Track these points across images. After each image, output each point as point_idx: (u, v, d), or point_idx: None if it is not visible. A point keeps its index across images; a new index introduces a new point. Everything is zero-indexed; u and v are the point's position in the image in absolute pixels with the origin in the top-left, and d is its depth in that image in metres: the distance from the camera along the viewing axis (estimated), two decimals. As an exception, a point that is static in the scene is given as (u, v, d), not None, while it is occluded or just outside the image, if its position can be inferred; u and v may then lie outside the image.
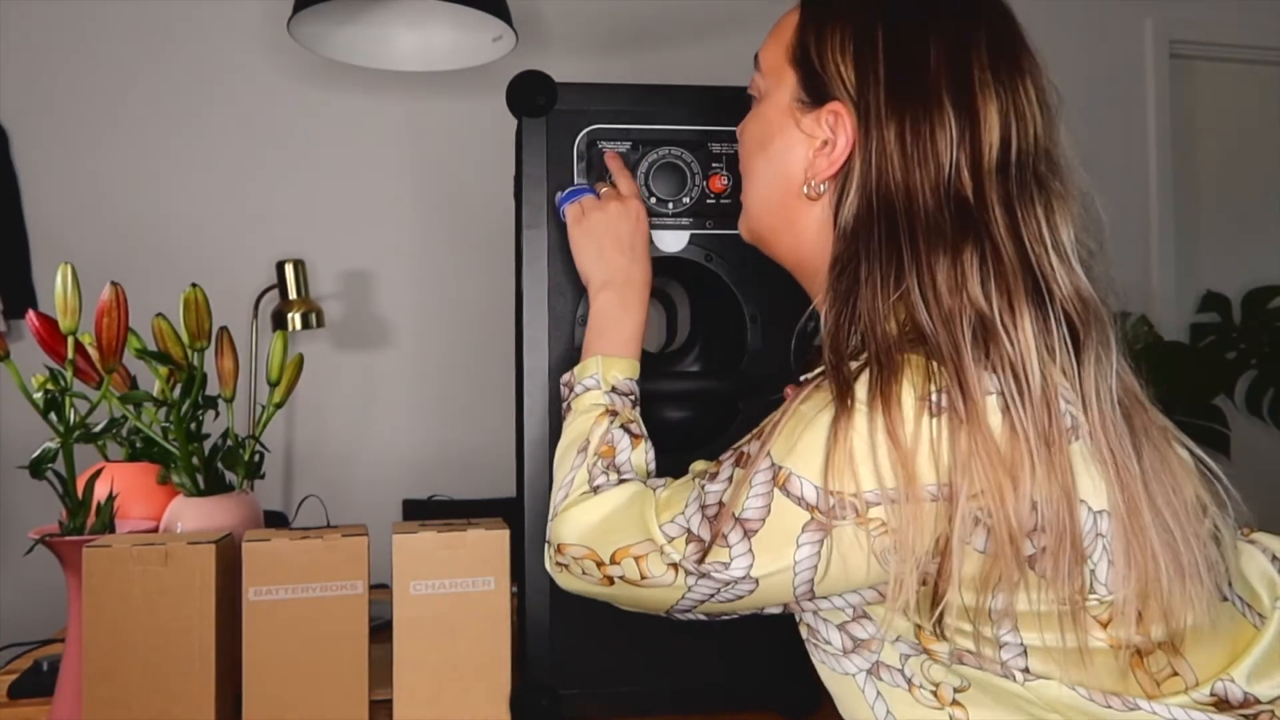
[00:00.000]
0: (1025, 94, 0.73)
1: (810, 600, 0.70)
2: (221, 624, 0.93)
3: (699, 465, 0.80)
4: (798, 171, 0.78)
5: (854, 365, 0.68)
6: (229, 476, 1.13)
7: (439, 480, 2.30)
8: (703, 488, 0.73)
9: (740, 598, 0.71)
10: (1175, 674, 0.66)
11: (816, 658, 0.77)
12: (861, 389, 0.65)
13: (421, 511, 2.07)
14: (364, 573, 0.95)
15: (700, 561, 0.70)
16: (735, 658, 1.00)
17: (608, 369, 0.87)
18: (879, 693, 0.72)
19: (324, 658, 0.94)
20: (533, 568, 0.98)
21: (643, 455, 0.83)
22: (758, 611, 0.74)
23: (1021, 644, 0.66)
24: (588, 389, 0.87)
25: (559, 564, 0.79)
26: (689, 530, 0.71)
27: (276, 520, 1.97)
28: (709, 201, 1.00)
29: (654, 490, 0.77)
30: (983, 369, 0.65)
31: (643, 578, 0.73)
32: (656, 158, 1.00)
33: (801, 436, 0.66)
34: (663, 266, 1.00)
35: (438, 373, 2.41)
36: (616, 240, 0.91)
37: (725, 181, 1.01)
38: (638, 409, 0.88)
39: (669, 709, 0.99)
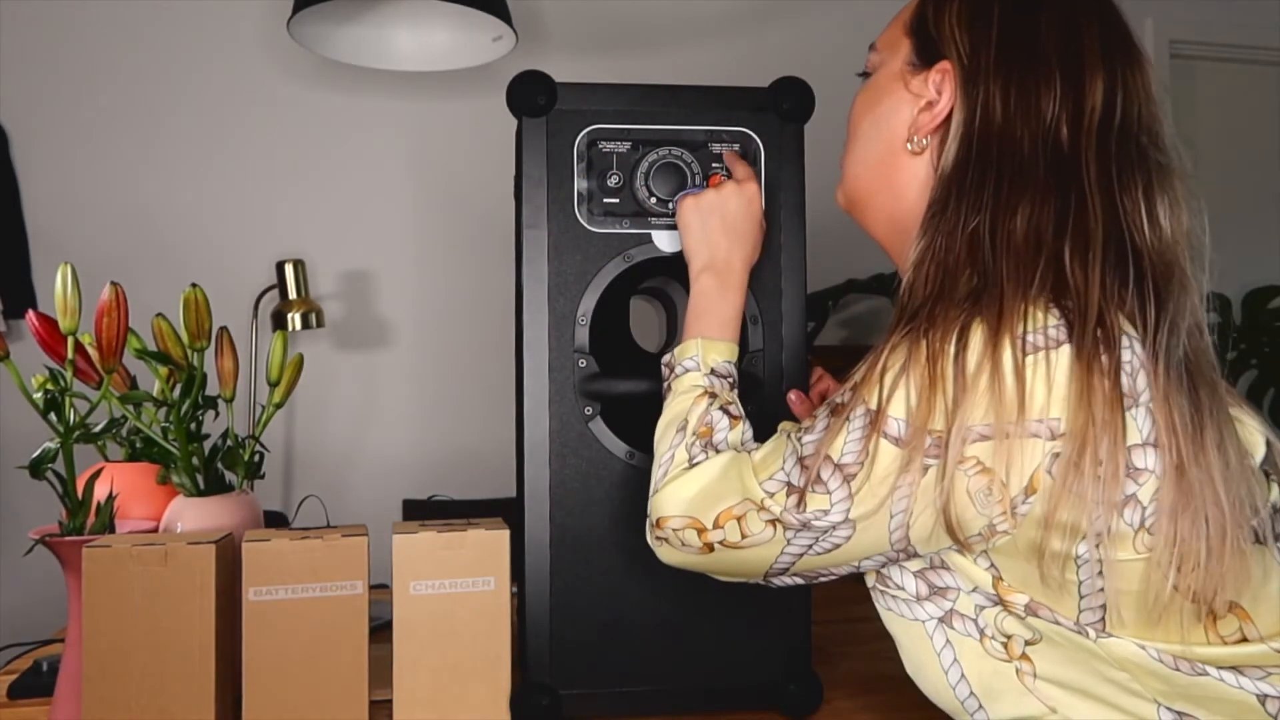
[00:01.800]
0: (1133, 77, 0.77)
1: (904, 550, 0.71)
2: (221, 624, 0.93)
3: (788, 425, 0.80)
4: (902, 128, 0.82)
5: (927, 303, 0.71)
6: (229, 476, 1.13)
7: (439, 480, 2.31)
8: (799, 440, 0.74)
9: (837, 546, 0.72)
10: (1245, 639, 0.69)
11: (883, 603, 0.78)
12: (931, 327, 0.68)
13: (421, 511, 2.08)
14: (364, 573, 0.95)
15: (800, 510, 0.71)
16: (736, 657, 1.00)
17: (707, 351, 0.88)
18: (948, 640, 0.73)
19: (324, 658, 0.94)
20: (533, 568, 0.98)
21: (739, 435, 0.83)
22: (854, 569, 0.75)
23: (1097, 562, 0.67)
24: (687, 370, 0.88)
25: (659, 538, 0.79)
26: (789, 483, 0.73)
27: (276, 520, 1.97)
28: (709, 201, 1.00)
29: (749, 453, 0.78)
30: (1042, 310, 0.68)
31: (743, 537, 0.74)
32: (656, 158, 1.00)
33: (889, 379, 0.69)
34: (663, 266, 1.00)
35: (438, 373, 2.41)
36: (722, 220, 0.92)
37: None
38: (736, 391, 0.88)
39: (669, 709, 0.99)
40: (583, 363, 0.99)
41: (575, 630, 0.99)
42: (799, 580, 0.77)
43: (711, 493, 0.76)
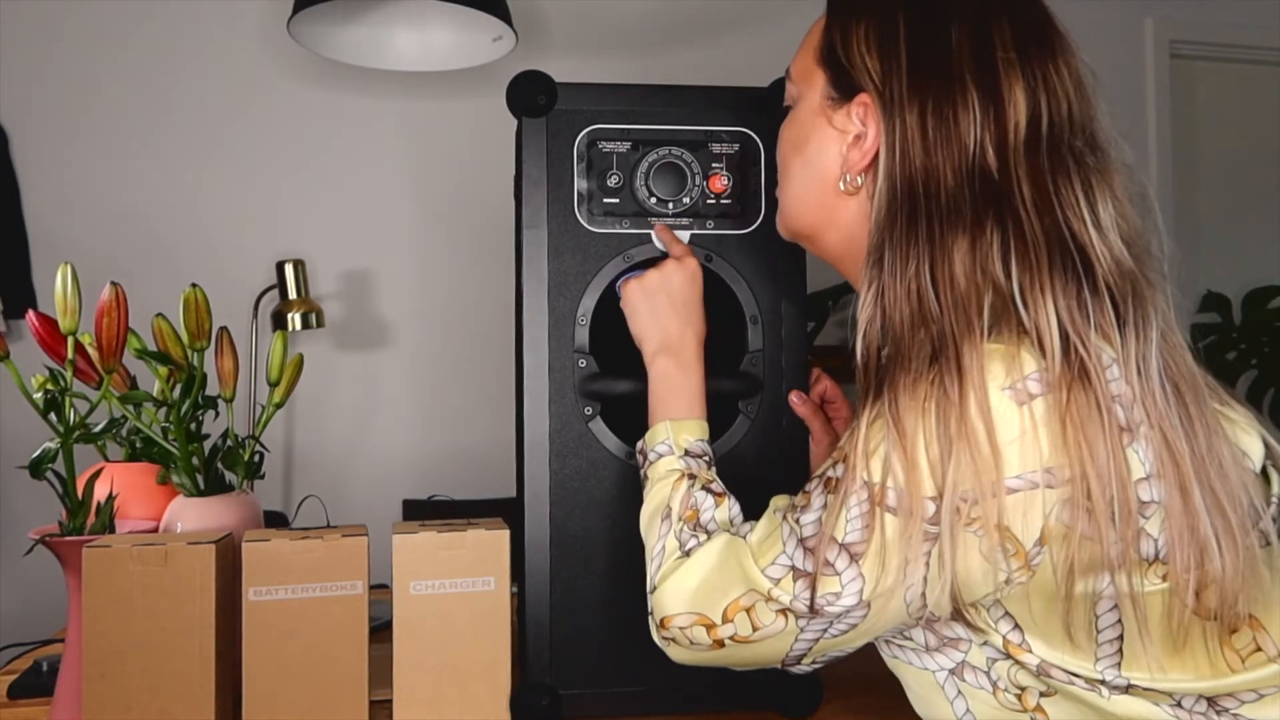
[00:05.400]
0: (1056, 73, 0.73)
1: (922, 616, 0.68)
2: (221, 624, 0.93)
3: (780, 501, 0.77)
4: (834, 168, 0.79)
5: (889, 371, 0.68)
6: (229, 476, 1.13)
7: (439, 480, 2.31)
8: (796, 521, 0.71)
9: (854, 627, 0.69)
10: (1259, 649, 0.67)
11: (889, 652, 0.76)
12: (895, 403, 0.66)
13: (421, 511, 2.08)
14: (364, 573, 0.95)
15: (810, 596, 0.68)
16: (735, 658, 1.00)
17: (678, 433, 0.86)
18: (960, 691, 0.72)
19: (324, 658, 0.94)
20: (533, 567, 0.98)
21: (727, 512, 0.80)
22: (872, 639, 0.72)
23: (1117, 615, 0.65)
24: (661, 455, 0.85)
25: (666, 638, 0.76)
26: (794, 568, 0.69)
27: (276, 520, 1.97)
28: (709, 201, 1.00)
29: (744, 537, 0.75)
30: (1017, 353, 0.65)
31: (754, 630, 0.71)
32: (656, 158, 1.00)
33: (878, 460, 0.66)
34: (663, 266, 1.01)
35: (438, 373, 2.41)
36: (669, 298, 0.91)
37: (725, 182, 1.01)
38: (714, 469, 0.86)
39: (669, 709, 0.99)
40: (583, 363, 0.99)
41: (575, 630, 0.99)
42: (818, 665, 0.74)
43: (714, 584, 0.73)
